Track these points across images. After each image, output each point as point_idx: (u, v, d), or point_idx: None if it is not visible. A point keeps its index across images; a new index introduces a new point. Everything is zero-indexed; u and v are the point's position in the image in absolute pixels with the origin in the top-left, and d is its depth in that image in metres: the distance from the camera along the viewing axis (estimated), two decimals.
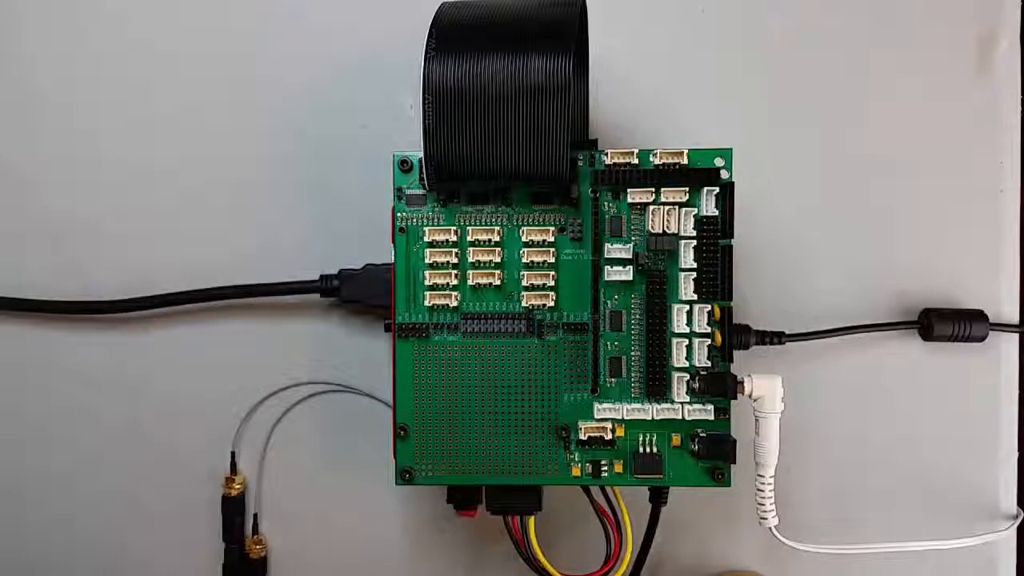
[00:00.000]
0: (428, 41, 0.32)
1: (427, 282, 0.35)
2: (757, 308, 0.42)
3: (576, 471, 0.35)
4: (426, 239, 0.35)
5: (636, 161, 0.35)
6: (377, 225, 0.38)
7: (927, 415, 0.42)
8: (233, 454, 0.43)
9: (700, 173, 0.34)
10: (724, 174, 0.34)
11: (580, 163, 0.35)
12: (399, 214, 0.35)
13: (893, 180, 0.42)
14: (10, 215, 0.43)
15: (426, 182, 0.35)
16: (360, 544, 0.44)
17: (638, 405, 0.35)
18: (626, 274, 0.35)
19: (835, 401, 0.42)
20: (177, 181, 0.43)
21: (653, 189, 0.34)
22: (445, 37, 0.32)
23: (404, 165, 0.35)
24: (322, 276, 0.40)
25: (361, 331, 0.43)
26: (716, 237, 0.34)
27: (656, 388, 0.35)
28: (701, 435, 0.35)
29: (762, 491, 0.35)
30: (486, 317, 0.35)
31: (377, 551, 0.44)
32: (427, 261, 0.35)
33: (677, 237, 0.35)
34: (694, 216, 0.34)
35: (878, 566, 0.42)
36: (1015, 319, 0.42)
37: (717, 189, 0.34)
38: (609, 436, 0.35)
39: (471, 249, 0.35)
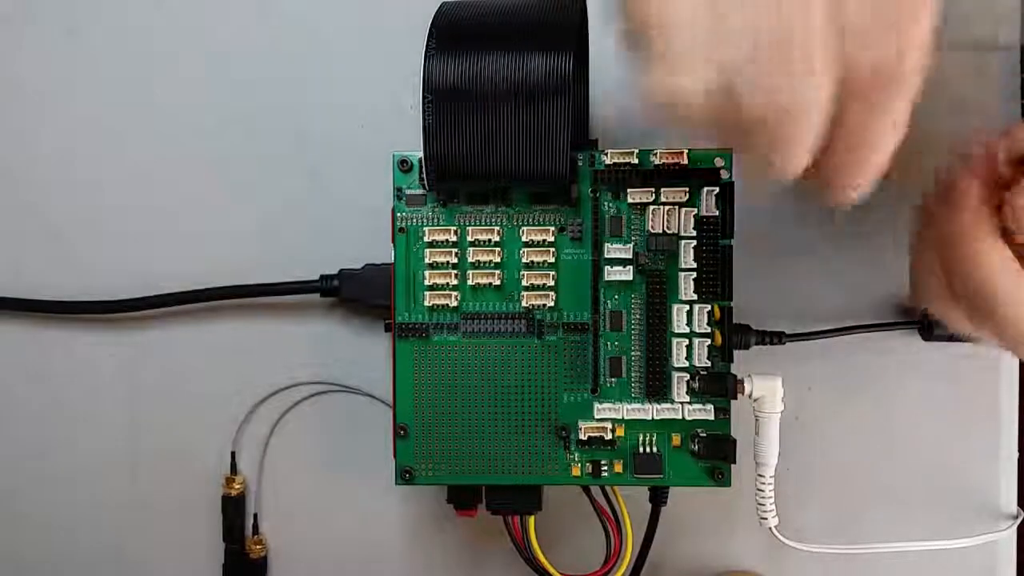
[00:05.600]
0: (428, 41, 0.32)
1: (427, 282, 0.35)
2: (757, 308, 0.42)
3: (576, 471, 0.35)
4: (426, 239, 0.35)
5: (636, 161, 0.35)
6: (377, 225, 0.38)
7: (927, 415, 0.42)
8: (233, 454, 0.43)
9: (700, 173, 0.34)
10: (724, 174, 0.34)
11: (580, 163, 0.35)
12: (399, 214, 0.35)
13: (893, 180, 0.42)
14: (10, 215, 0.43)
15: (426, 182, 0.35)
16: (360, 544, 0.44)
17: (638, 405, 0.35)
18: (626, 274, 0.35)
19: (835, 401, 0.42)
20: (177, 181, 0.43)
21: (653, 189, 0.34)
22: (445, 37, 0.32)
23: (404, 165, 0.35)
24: (322, 276, 0.40)
25: (361, 331, 0.43)
26: (716, 237, 0.34)
27: (656, 388, 0.35)
28: (701, 435, 0.35)
29: (762, 491, 0.35)
30: (486, 317, 0.35)
31: (377, 551, 0.44)
32: (427, 261, 0.35)
33: (677, 237, 0.35)
34: (694, 216, 0.34)
35: (878, 566, 0.42)
36: None
37: (717, 189, 0.34)
38: (609, 436, 0.35)
39: (471, 249, 0.35)
